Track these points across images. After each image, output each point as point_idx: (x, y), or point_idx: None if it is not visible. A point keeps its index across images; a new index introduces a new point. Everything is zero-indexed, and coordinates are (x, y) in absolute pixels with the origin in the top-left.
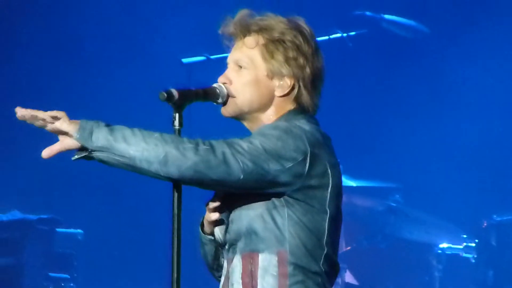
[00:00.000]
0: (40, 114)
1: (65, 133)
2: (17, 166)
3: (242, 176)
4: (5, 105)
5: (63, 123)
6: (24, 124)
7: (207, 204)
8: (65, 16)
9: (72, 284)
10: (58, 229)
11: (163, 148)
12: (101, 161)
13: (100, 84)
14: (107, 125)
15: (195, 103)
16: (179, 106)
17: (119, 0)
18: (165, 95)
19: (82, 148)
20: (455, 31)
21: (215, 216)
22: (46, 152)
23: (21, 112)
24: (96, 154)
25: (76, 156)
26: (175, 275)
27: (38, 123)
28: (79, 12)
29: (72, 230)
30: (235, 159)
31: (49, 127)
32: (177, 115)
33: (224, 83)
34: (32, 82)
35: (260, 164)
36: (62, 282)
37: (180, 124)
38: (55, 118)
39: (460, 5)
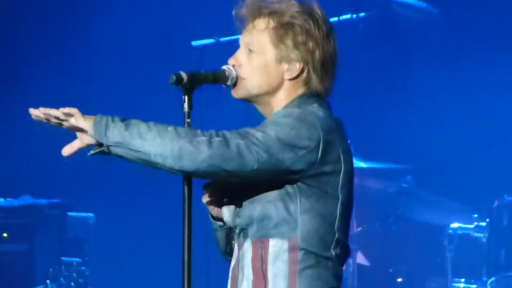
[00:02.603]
0: (53, 112)
1: (81, 130)
2: (27, 150)
3: (256, 167)
4: (15, 95)
5: (78, 120)
6: (32, 97)
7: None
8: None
9: (84, 268)
10: (69, 213)
11: (177, 142)
12: (117, 155)
13: (109, 68)
14: (123, 120)
15: (204, 85)
16: (188, 89)
17: None
18: (174, 78)
19: (99, 144)
20: (465, 12)
21: (205, 198)
22: (67, 150)
23: (34, 113)
24: (113, 149)
25: (92, 152)
26: (185, 257)
27: (54, 121)
28: None
29: (83, 214)
30: (249, 150)
31: (65, 124)
32: (186, 97)
33: (233, 65)
34: (38, 72)
35: (275, 154)
36: (74, 266)
37: (190, 106)
38: (68, 115)
39: None
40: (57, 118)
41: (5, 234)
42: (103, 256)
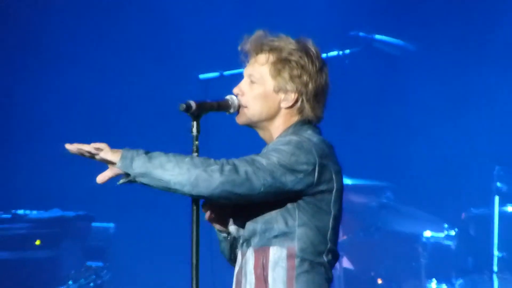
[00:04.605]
0: (85, 147)
1: (110, 162)
2: (57, 169)
3: (262, 189)
4: (40, 107)
5: (107, 153)
6: (61, 128)
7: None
8: (87, 30)
9: (105, 271)
10: (93, 224)
11: (194, 171)
12: (143, 184)
13: (125, 99)
14: (146, 153)
15: (210, 113)
16: (196, 115)
17: (142, 18)
18: (184, 106)
19: (126, 174)
20: (439, 47)
21: (207, 215)
22: (100, 178)
23: (69, 148)
24: (138, 179)
25: (121, 181)
26: (194, 260)
27: (87, 155)
28: (99, 27)
29: (104, 224)
30: (257, 176)
31: (96, 157)
32: (194, 123)
33: (237, 94)
34: (50, 100)
35: (278, 178)
36: (94, 269)
37: (198, 131)
38: (99, 150)
39: (444, 24)
40: (89, 152)
41: (38, 242)
42: (121, 262)
